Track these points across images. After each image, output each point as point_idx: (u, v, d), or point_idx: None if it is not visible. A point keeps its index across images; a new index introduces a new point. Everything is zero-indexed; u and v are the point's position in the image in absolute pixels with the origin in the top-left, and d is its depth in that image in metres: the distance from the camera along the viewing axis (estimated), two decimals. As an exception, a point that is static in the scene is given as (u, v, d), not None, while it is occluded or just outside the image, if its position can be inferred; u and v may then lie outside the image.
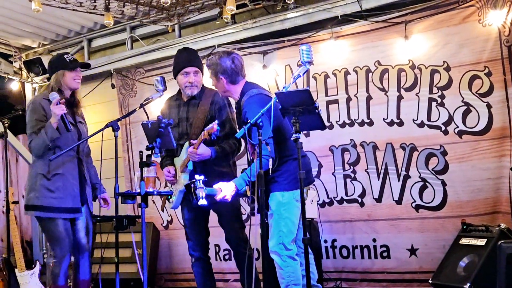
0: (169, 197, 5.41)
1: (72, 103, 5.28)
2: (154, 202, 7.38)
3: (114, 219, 5.05)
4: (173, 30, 7.52)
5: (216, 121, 4.84)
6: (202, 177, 4.56)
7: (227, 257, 7.05)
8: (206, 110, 5.30)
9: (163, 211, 7.20)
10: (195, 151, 5.07)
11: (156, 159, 5.09)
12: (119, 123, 5.08)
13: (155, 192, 5.03)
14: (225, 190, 4.67)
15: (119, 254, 4.99)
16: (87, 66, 5.51)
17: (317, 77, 6.65)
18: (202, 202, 4.52)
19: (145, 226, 4.88)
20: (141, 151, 4.87)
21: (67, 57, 5.26)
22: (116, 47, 8.25)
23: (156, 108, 6.80)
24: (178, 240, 7.51)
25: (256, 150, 4.44)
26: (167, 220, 7.62)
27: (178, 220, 7.48)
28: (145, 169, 4.88)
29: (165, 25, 7.38)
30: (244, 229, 5.36)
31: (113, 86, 7.94)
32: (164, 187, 7.46)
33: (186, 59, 5.45)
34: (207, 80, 5.25)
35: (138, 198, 4.88)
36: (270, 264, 4.69)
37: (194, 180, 4.54)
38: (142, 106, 5.17)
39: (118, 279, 4.96)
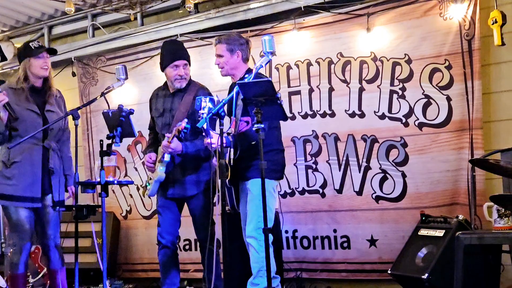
0: (148, 184, 5.41)
1: (41, 91, 5.22)
2: (114, 192, 7.34)
3: (73, 209, 5.00)
4: (135, 19, 7.46)
5: (186, 120, 4.89)
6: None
7: (187, 247, 7.03)
8: (189, 103, 5.29)
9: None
10: (168, 145, 5.11)
11: (117, 148, 5.06)
12: (79, 111, 5.05)
13: (115, 182, 5.00)
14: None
15: (79, 243, 4.95)
16: (53, 52, 5.42)
17: (280, 68, 6.66)
18: None
19: (105, 215, 4.85)
20: (101, 140, 4.85)
21: (32, 44, 5.18)
22: (77, 35, 8.15)
23: (117, 96, 6.76)
24: (137, 230, 7.49)
25: (237, 128, 4.51)
26: (126, 210, 7.58)
27: (138, 211, 7.45)
28: (105, 158, 4.86)
29: (127, 13, 7.32)
30: (213, 225, 5.36)
31: (73, 74, 7.84)
32: (124, 177, 7.44)
33: (175, 52, 5.47)
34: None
35: (98, 187, 4.84)
36: (232, 255, 4.70)
37: None
38: (103, 94, 5.14)
39: (78, 269, 4.93)
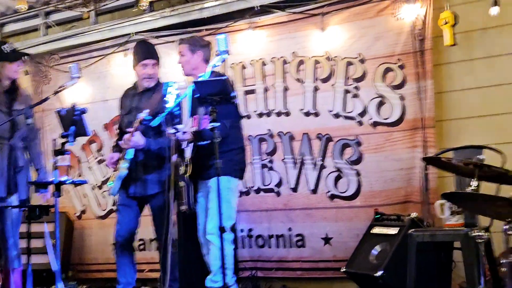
0: (111, 182, 5.38)
1: (9, 91, 5.18)
2: (68, 192, 7.25)
3: (26, 209, 4.94)
4: (89, 17, 7.37)
5: (146, 111, 4.87)
6: None
7: (141, 247, 6.98)
8: (156, 102, 5.25)
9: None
10: (129, 138, 5.11)
11: (70, 147, 5.01)
12: (32, 110, 4.98)
13: (69, 181, 4.94)
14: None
15: (32, 244, 4.88)
16: (27, 56, 5.45)
17: (235, 67, 6.65)
18: None
19: (58, 216, 4.79)
20: (54, 139, 4.79)
21: (5, 48, 5.16)
22: (29, 33, 8.03)
23: (71, 95, 6.68)
24: (91, 230, 7.42)
25: (200, 125, 4.54)
26: (80, 210, 7.49)
27: (92, 211, 7.38)
28: (59, 157, 4.79)
29: (81, 11, 7.25)
30: (173, 226, 5.33)
31: (26, 73, 7.71)
32: (78, 176, 7.35)
33: (146, 51, 5.54)
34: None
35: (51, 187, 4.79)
36: (189, 255, 4.71)
37: None
38: (56, 93, 5.11)
39: (30, 270, 4.86)
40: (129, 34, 7.03)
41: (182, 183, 5.10)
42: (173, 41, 6.79)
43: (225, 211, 4.75)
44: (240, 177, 5.22)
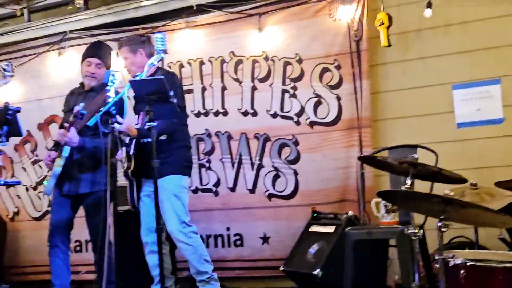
0: (45, 181, 5.30)
1: None
2: (-1, 193, 7.09)
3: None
4: (22, 14, 7.21)
5: (82, 104, 4.84)
6: None
7: (78, 248, 6.86)
8: (98, 103, 5.16)
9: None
10: (65, 133, 5.03)
11: (3, 147, 4.89)
12: (-38, 110, 4.85)
13: (1, 182, 4.84)
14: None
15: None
16: None
17: (172, 66, 6.61)
18: None
19: (-10, 218, 4.68)
20: (-14, 140, 4.67)
21: None
22: (-41, 31, 7.81)
23: (3, 94, 6.53)
24: (26, 232, 7.25)
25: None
26: (13, 212, 7.32)
27: (27, 212, 7.22)
28: (-10, 158, 4.68)
29: (13, 9, 7.07)
30: (110, 227, 5.25)
31: (-44, 72, 7.51)
32: (11, 177, 7.18)
33: (93, 50, 5.52)
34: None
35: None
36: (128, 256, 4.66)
37: None
38: (-13, 92, 4.97)
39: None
40: (64, 32, 6.91)
41: (124, 182, 5.07)
42: (109, 40, 6.69)
43: (181, 209, 4.93)
44: (190, 174, 5.23)
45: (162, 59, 4.67)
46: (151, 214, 4.92)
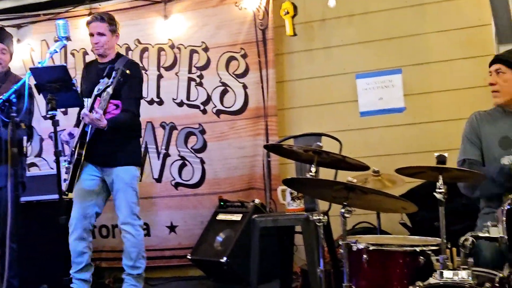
0: None
1: None
2: None
3: None
4: None
5: None
6: None
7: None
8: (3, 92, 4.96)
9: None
10: None
11: None
12: None
13: None
14: None
15: None
16: None
17: (76, 53, 6.46)
18: None
19: None
20: None
21: None
22: None
23: None
24: None
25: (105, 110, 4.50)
26: None
27: None
28: None
29: None
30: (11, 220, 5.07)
31: None
32: None
33: None
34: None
35: None
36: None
37: None
38: None
39: None
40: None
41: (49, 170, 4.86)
42: (9, 26, 6.47)
43: (134, 201, 4.91)
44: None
45: (65, 46, 4.53)
46: (89, 200, 4.88)
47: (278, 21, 5.92)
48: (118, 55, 5.04)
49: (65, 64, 4.58)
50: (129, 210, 4.89)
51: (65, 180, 4.78)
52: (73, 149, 4.79)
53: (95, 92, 4.59)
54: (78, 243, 4.89)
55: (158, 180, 6.25)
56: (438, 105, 5.65)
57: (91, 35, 4.92)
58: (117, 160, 4.85)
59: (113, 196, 4.92)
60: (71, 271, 4.88)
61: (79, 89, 4.72)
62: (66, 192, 4.86)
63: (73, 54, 6.45)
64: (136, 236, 4.91)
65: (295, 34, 5.78)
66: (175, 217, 6.21)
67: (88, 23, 4.95)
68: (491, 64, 3.74)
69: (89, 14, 6.30)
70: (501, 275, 2.90)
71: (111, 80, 4.52)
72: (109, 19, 4.96)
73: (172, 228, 6.22)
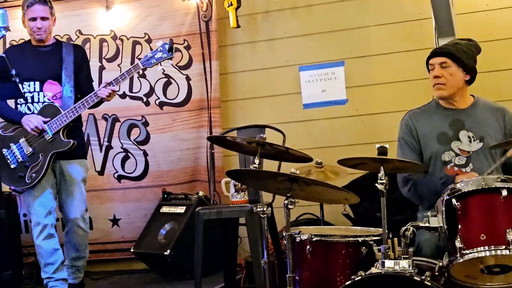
0: None
1: None
2: None
3: None
4: None
5: None
6: None
7: None
8: None
9: None
10: None
11: None
12: None
13: None
14: None
15: None
16: None
17: (15, 43, 6.31)
18: None
19: None
20: None
21: None
22: None
23: None
24: None
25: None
26: None
27: None
28: None
29: None
30: None
31: None
32: None
33: None
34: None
35: None
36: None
37: None
38: None
39: None
40: None
41: None
42: None
43: (85, 195, 4.85)
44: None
45: (3, 37, 4.43)
46: (52, 194, 4.75)
47: (222, 12, 5.90)
48: (58, 41, 5.02)
49: (3, 55, 4.47)
50: (84, 206, 4.85)
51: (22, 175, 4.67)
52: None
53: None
54: (48, 241, 4.71)
55: (101, 172, 6.18)
56: (379, 97, 5.73)
57: (33, 19, 4.76)
58: (73, 153, 4.76)
59: (64, 192, 4.82)
60: (45, 275, 4.75)
61: (17, 80, 4.62)
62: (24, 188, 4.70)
63: (12, 44, 6.30)
64: (87, 229, 4.90)
65: (238, 26, 5.77)
66: (118, 210, 6.16)
67: (28, 7, 4.76)
68: (432, 57, 3.78)
69: (28, 4, 6.21)
70: (440, 264, 2.97)
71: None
72: (49, 1, 4.82)
73: (115, 221, 6.16)
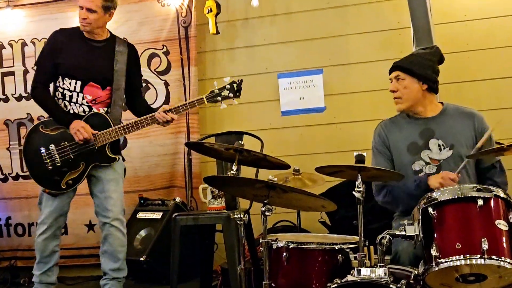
0: None
1: None
2: None
3: None
4: None
5: None
6: None
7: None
8: None
9: None
10: None
11: None
12: None
13: None
14: None
15: None
16: None
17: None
18: None
19: None
20: None
21: None
22: None
23: None
24: None
25: None
26: None
27: None
28: None
29: None
30: None
31: None
32: None
33: None
34: None
35: None
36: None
37: None
38: None
39: None
40: None
41: None
42: None
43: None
44: None
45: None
46: (70, 198, 4.69)
47: (201, 19, 5.90)
48: (112, 36, 4.73)
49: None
50: (121, 206, 4.68)
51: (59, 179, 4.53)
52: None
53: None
54: (52, 241, 4.60)
55: (77, 177, 6.13)
56: (357, 106, 5.76)
57: (80, 7, 4.47)
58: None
59: (101, 192, 4.70)
60: (36, 273, 4.63)
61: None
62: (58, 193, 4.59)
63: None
64: (125, 234, 4.65)
65: (218, 32, 5.77)
66: (94, 215, 6.09)
67: None
68: (390, 71, 3.83)
69: (7, 6, 6.17)
70: (415, 272, 2.98)
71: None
72: None
73: (90, 226, 6.12)
